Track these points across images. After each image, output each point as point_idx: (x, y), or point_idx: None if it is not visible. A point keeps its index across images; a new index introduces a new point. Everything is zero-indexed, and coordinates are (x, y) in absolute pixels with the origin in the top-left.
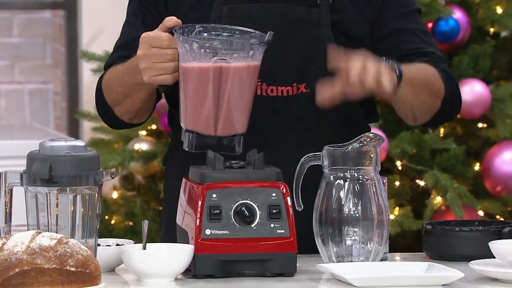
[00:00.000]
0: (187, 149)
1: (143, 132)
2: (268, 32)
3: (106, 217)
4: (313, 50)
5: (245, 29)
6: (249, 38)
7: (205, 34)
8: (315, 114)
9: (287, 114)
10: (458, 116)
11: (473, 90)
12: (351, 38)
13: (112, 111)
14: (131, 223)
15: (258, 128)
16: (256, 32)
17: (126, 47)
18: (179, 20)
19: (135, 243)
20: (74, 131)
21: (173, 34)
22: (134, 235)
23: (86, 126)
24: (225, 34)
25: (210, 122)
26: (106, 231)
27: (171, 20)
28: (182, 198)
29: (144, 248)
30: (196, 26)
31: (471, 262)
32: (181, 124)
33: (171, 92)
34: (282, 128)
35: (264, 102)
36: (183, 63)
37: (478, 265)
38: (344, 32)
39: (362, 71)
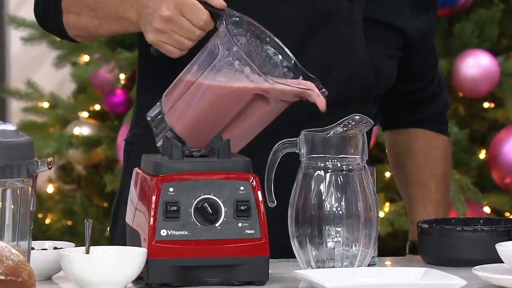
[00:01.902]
0: (158, 145)
1: (85, 114)
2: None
3: (40, 215)
4: (339, 51)
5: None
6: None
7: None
8: (326, 123)
9: (296, 122)
10: (460, 94)
11: (478, 63)
12: (391, 32)
13: (59, 14)
14: (69, 223)
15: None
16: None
17: None
18: (225, 4)
19: (76, 246)
20: (0, 113)
21: (215, 15)
22: (73, 236)
23: (15, 106)
24: (270, 48)
25: (205, 138)
26: (40, 232)
27: (219, 2)
28: (133, 193)
29: (87, 252)
30: (245, 23)
31: (475, 267)
32: (167, 118)
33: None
34: (288, 136)
35: None
36: (211, 74)
37: (483, 271)
38: (385, 22)
39: None
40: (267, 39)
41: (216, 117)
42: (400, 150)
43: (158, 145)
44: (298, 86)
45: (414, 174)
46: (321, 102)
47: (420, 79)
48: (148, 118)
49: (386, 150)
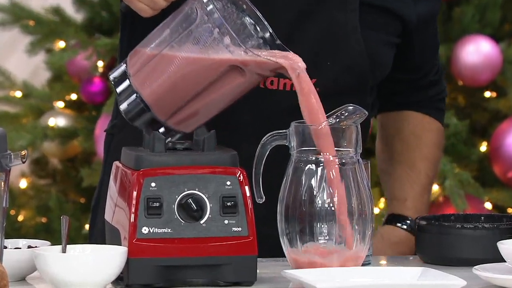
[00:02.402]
0: (121, 109)
1: (60, 104)
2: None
3: (12, 212)
4: (332, 39)
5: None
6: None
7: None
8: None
9: (283, 115)
10: (460, 83)
11: (479, 50)
12: (388, 17)
13: None
14: (44, 220)
15: (249, 127)
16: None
17: None
18: None
19: (51, 244)
20: None
21: None
22: (48, 234)
23: None
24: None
25: (170, 109)
26: (12, 230)
27: None
28: (112, 188)
29: (64, 251)
30: None
31: (476, 267)
32: (132, 81)
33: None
34: (271, 129)
35: (261, 95)
36: (186, 41)
37: (484, 271)
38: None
39: None
40: (244, 6)
41: (187, 87)
42: (390, 132)
43: (121, 108)
44: (278, 59)
45: (402, 154)
46: (302, 81)
47: (419, 68)
48: (111, 78)
49: (378, 129)
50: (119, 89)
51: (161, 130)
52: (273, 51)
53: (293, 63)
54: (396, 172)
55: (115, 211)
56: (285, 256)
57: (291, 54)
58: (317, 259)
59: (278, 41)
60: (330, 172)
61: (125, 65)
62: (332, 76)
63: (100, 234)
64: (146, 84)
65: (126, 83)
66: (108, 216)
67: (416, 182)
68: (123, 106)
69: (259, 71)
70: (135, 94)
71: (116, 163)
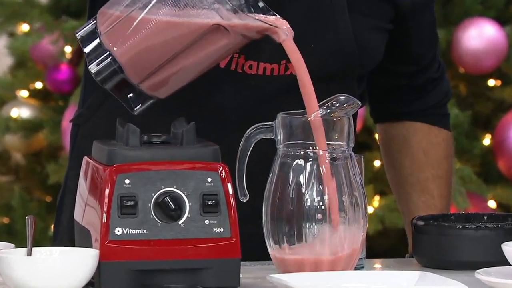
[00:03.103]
0: (90, 68)
1: (24, 93)
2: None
3: None
4: (317, 20)
5: None
6: None
7: None
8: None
9: (266, 101)
10: (461, 70)
11: (482, 34)
12: (379, 0)
13: None
14: (6, 220)
15: (230, 117)
16: None
17: None
18: None
19: (16, 247)
20: None
21: None
22: (10, 236)
23: None
24: None
25: (144, 71)
26: None
27: None
28: (83, 185)
29: (30, 254)
30: None
31: (478, 270)
32: (104, 39)
33: None
34: (255, 116)
35: (238, 80)
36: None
37: (487, 275)
38: None
39: None
40: None
41: (166, 47)
42: (395, 147)
43: (90, 68)
44: (264, 21)
45: (413, 176)
46: (288, 44)
47: (416, 61)
48: (78, 37)
49: (380, 146)
50: (87, 49)
51: (130, 95)
52: (260, 15)
53: (283, 23)
54: (409, 199)
55: (85, 211)
56: (270, 259)
57: (279, 19)
58: (305, 257)
59: (262, 3)
60: (320, 168)
61: (94, 21)
62: (315, 61)
63: (66, 235)
64: (119, 42)
65: (95, 42)
66: (77, 216)
67: (432, 208)
68: (92, 67)
69: (245, 32)
70: (106, 54)
71: (87, 158)
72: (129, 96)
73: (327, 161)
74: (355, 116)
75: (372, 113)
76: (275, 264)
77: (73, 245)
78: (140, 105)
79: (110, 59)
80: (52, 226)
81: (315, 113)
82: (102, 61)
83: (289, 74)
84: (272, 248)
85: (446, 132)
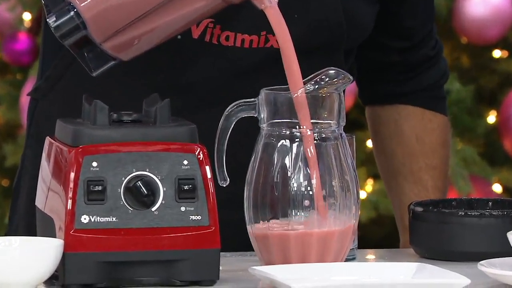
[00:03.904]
0: (48, 20)
1: None
2: None
3: None
4: None
5: None
6: None
7: None
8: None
9: (244, 76)
10: (464, 40)
11: (486, 1)
12: None
13: None
14: None
15: (207, 94)
16: None
17: None
18: None
19: None
20: None
21: None
22: None
23: None
24: None
25: (110, 29)
26: None
27: None
28: (45, 168)
29: None
30: None
31: (481, 262)
32: None
33: None
34: (232, 93)
35: (213, 53)
36: None
37: (492, 267)
38: None
39: None
40: None
41: (138, 6)
42: (386, 133)
43: (49, 22)
44: None
45: (405, 165)
46: (272, 11)
47: (409, 35)
48: None
49: (369, 131)
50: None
51: (90, 54)
52: None
53: None
54: (401, 189)
55: (48, 197)
56: (253, 249)
57: None
58: (292, 226)
59: None
60: (308, 149)
61: None
62: (299, 32)
63: (23, 221)
64: None
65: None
66: (39, 203)
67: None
68: (51, 20)
69: None
70: (68, 6)
71: (49, 138)
72: (88, 55)
73: (315, 141)
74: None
75: (360, 94)
76: (255, 239)
77: (30, 234)
78: (99, 66)
79: (73, 13)
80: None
81: (301, 89)
82: (63, 14)
83: (270, 47)
84: (252, 227)
85: (442, 117)
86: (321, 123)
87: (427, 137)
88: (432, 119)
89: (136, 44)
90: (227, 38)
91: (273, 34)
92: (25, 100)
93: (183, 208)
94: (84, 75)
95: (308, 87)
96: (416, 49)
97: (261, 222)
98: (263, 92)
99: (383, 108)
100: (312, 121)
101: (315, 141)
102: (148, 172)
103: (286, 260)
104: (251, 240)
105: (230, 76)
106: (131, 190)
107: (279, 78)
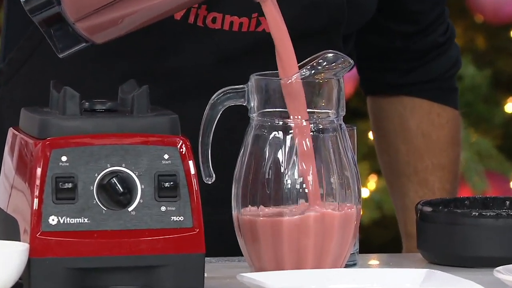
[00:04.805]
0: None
1: None
2: None
3: None
4: None
5: None
6: None
7: None
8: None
9: (232, 62)
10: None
11: None
12: None
13: None
14: None
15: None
16: None
17: None
18: None
19: None
20: None
21: None
22: None
23: None
24: None
25: (86, 8)
26: None
27: None
28: (8, 164)
29: None
30: None
31: (498, 268)
32: None
33: None
34: (218, 80)
35: (198, 36)
36: None
37: (509, 274)
38: None
39: None
40: None
41: None
42: (389, 128)
43: None
44: None
45: (409, 164)
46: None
47: (415, 19)
48: None
49: (371, 126)
50: None
51: (59, 33)
52: None
53: None
54: (405, 191)
55: (11, 195)
56: (241, 254)
57: None
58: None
59: None
60: (303, 142)
61: None
62: (294, 14)
63: None
64: None
65: None
66: (1, 202)
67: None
68: None
69: None
70: None
71: (13, 129)
72: (56, 33)
73: (311, 133)
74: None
75: (361, 84)
76: (248, 260)
77: None
78: (68, 47)
79: None
80: None
81: (295, 74)
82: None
83: (262, 31)
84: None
85: (453, 111)
86: (318, 112)
87: (435, 133)
88: (441, 113)
89: (113, 27)
90: (213, 20)
91: (264, 16)
92: None
93: (163, 208)
94: (53, 58)
95: (303, 72)
96: (424, 35)
97: (249, 207)
98: (253, 78)
99: (386, 100)
100: (308, 110)
101: (312, 133)
102: (124, 167)
103: (278, 265)
104: (236, 232)
105: (216, 62)
106: (105, 188)
107: (272, 65)
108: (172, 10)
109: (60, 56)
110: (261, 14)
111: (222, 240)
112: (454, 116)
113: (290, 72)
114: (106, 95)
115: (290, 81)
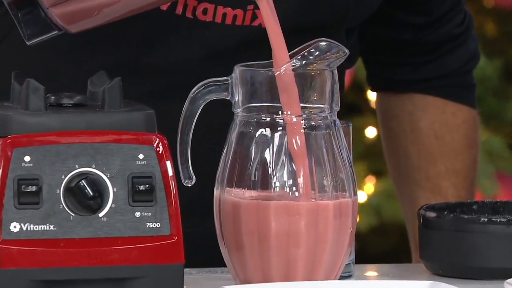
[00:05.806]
0: None
1: None
2: None
3: None
4: None
5: None
6: None
7: None
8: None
9: (223, 58)
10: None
11: None
12: None
13: None
14: None
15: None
16: None
17: None
18: None
19: None
20: None
21: None
22: None
23: None
24: None
25: None
26: None
27: None
28: None
29: None
30: None
31: (508, 280)
32: None
33: None
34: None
35: (187, 29)
36: None
37: None
38: None
39: None
40: None
41: None
42: (398, 129)
43: None
44: None
45: (421, 169)
46: None
47: (427, 9)
48: None
49: (379, 125)
50: None
51: (28, 17)
52: None
53: None
54: (416, 198)
55: None
56: (225, 265)
57: None
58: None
59: None
60: (293, 140)
61: None
62: (294, 7)
63: None
64: None
65: None
66: None
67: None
68: None
69: None
70: None
71: None
72: (25, 17)
73: (302, 130)
74: (342, 76)
75: (369, 78)
76: (231, 271)
77: None
78: (38, 34)
79: None
80: None
81: (285, 64)
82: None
83: (258, 26)
84: (226, 250)
85: (469, 111)
86: (310, 107)
87: (449, 135)
88: (456, 113)
89: (88, 17)
90: (204, 12)
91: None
92: None
93: (138, 214)
94: (22, 48)
95: (294, 63)
96: (437, 26)
97: (235, 188)
98: (237, 69)
99: (396, 97)
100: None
101: (303, 130)
102: (94, 168)
103: (265, 276)
104: (218, 240)
105: (207, 58)
106: (73, 191)
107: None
108: (156, 4)
109: (28, 43)
110: (257, 6)
111: (204, 250)
112: (471, 115)
113: (282, 63)
114: (79, 91)
115: (278, 72)
